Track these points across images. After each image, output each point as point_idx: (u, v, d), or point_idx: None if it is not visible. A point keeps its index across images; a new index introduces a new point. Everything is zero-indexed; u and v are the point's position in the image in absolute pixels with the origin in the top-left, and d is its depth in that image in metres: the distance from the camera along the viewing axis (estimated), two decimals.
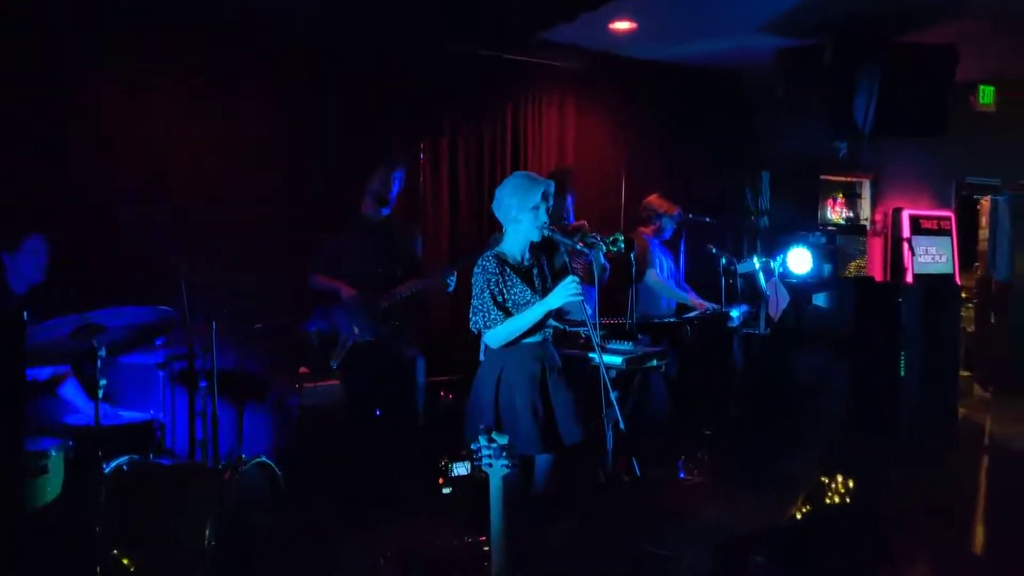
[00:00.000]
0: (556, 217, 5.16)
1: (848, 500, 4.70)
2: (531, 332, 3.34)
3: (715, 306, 5.40)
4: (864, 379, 5.89)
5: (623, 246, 4.43)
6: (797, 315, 5.86)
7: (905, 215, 7.22)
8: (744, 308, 5.49)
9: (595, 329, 3.21)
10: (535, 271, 3.45)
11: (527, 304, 3.32)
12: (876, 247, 7.43)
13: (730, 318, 5.22)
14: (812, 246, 6.18)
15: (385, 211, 4.70)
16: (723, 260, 5.26)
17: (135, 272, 4.10)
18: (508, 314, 3.31)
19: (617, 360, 4.14)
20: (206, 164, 4.80)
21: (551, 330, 3.46)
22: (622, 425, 3.09)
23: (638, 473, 3.03)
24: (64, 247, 3.99)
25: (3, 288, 3.84)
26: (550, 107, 6.31)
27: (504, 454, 2.66)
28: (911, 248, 7.04)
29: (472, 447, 2.71)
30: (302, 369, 4.79)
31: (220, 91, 4.91)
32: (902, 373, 6.03)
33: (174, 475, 3.54)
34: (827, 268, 6.26)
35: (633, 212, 5.89)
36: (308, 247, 4.67)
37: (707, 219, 5.66)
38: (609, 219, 5.84)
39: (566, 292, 3.24)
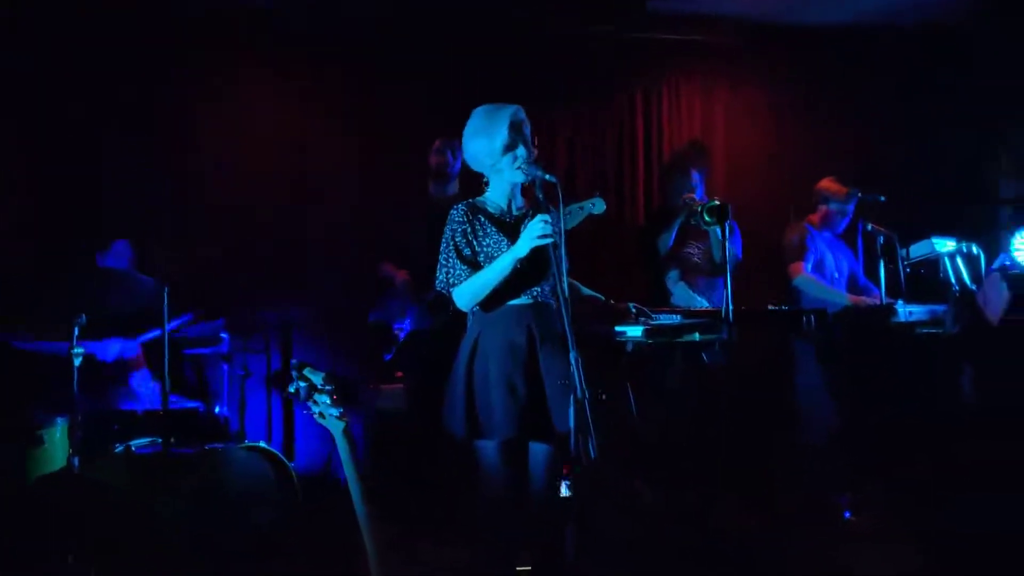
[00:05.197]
0: (675, 193, 4.54)
1: None
2: (512, 291, 2.77)
3: (875, 302, 4.22)
4: None
5: (718, 208, 3.72)
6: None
7: None
8: (931, 308, 4.24)
9: (561, 280, 2.54)
10: (526, 223, 2.86)
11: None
12: None
13: (893, 312, 4.00)
14: None
15: (451, 189, 4.30)
16: (880, 239, 4.09)
17: None
18: (476, 268, 2.77)
19: (637, 332, 3.28)
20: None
21: (546, 290, 2.82)
22: (579, 393, 2.38)
23: (592, 455, 2.28)
24: None
25: None
26: (691, 93, 5.51)
27: (328, 400, 2.07)
28: None
29: (289, 390, 2.17)
30: (397, 373, 4.55)
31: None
32: None
33: (171, 459, 3.38)
34: None
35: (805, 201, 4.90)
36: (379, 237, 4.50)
37: (881, 198, 4.51)
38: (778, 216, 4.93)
39: (532, 233, 2.64)
